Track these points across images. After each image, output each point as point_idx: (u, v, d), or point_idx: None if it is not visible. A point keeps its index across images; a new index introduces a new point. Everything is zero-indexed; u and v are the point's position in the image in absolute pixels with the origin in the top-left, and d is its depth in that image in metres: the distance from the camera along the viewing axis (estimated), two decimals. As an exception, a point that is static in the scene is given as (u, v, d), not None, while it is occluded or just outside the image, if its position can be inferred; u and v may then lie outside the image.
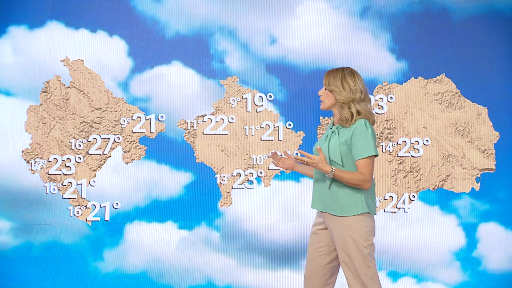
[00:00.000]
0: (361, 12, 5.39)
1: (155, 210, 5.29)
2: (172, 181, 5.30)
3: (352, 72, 3.55)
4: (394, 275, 5.32)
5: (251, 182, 5.33)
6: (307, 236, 3.65)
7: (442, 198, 5.34)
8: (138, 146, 5.31)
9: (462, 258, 5.33)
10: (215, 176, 5.32)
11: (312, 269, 3.58)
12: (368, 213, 3.46)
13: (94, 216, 5.26)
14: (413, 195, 5.35)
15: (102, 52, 5.31)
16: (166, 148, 5.31)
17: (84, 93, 5.32)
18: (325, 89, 3.57)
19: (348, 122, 3.49)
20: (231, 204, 5.32)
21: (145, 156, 5.29)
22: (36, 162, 5.25)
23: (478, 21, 5.44)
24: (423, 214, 5.33)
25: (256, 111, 5.36)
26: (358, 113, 3.50)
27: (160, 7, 5.36)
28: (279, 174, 5.33)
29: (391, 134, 5.37)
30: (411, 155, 5.36)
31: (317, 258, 3.57)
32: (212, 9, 5.35)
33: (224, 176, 5.32)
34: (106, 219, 5.26)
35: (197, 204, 5.31)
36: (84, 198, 5.27)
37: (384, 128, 5.38)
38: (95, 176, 5.28)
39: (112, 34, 5.33)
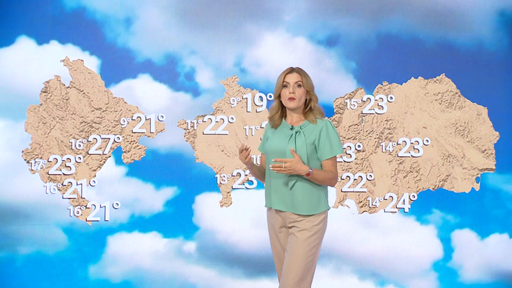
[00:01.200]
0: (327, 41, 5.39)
1: (139, 223, 5.29)
2: (155, 198, 5.31)
3: None
4: (376, 283, 5.32)
5: (251, 182, 5.33)
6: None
7: (419, 209, 5.34)
8: (138, 146, 5.31)
9: (439, 268, 5.34)
10: (215, 176, 5.32)
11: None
12: (327, 209, 3.60)
13: (94, 216, 5.26)
14: (413, 195, 5.35)
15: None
16: (150, 168, 5.30)
17: (84, 93, 5.32)
18: (299, 86, 3.55)
19: (315, 121, 3.56)
20: (231, 204, 5.32)
21: (128, 172, 5.28)
22: (36, 162, 5.25)
23: (478, 21, 5.44)
24: (399, 223, 5.33)
25: (256, 111, 5.36)
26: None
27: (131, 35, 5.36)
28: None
29: (391, 134, 5.37)
30: (411, 155, 5.36)
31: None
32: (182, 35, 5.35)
33: (224, 176, 5.32)
34: (106, 219, 5.26)
35: (179, 217, 5.30)
36: (84, 198, 5.27)
37: (384, 128, 5.38)
38: (95, 176, 5.28)
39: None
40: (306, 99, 3.59)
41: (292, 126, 3.58)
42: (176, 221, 5.30)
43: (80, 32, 5.31)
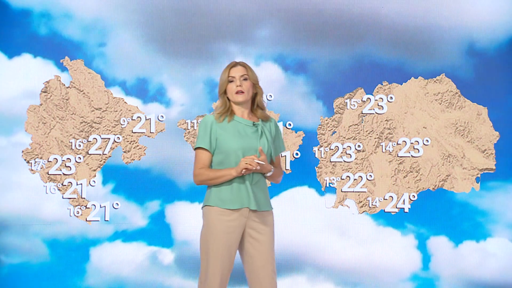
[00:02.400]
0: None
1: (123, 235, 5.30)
2: (139, 213, 5.32)
3: None
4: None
5: (251, 182, 5.33)
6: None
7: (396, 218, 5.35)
8: (138, 146, 5.31)
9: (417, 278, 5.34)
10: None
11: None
12: None
13: (94, 216, 5.26)
14: (413, 195, 5.35)
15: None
16: (135, 183, 5.30)
17: (84, 93, 5.33)
18: (245, 79, 3.46)
19: (267, 117, 3.53)
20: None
21: (114, 189, 5.29)
22: (36, 162, 5.25)
23: (478, 21, 5.44)
24: (375, 233, 5.34)
25: (256, 111, 5.36)
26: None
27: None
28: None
29: (391, 134, 5.37)
30: (411, 155, 5.36)
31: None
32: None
33: (224, 176, 5.32)
34: (106, 219, 5.26)
35: (163, 230, 5.30)
36: (84, 198, 5.27)
37: (384, 128, 5.38)
38: (95, 176, 5.28)
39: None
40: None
41: (253, 122, 3.49)
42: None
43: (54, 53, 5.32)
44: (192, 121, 5.32)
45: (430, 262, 5.33)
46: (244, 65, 3.50)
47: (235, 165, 3.37)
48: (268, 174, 3.44)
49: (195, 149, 3.45)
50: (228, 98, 3.47)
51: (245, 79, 3.46)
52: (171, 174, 5.32)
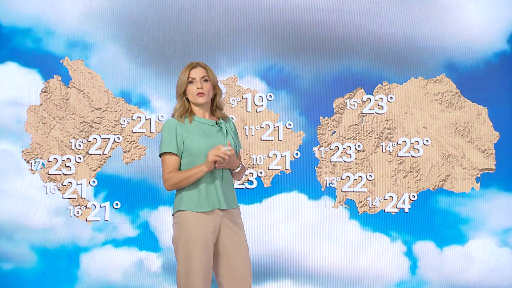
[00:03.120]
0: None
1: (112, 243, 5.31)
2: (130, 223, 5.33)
3: None
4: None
5: (251, 182, 5.33)
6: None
7: (382, 221, 5.34)
8: (138, 146, 5.31)
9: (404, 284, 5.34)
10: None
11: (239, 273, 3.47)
12: None
13: (94, 216, 5.26)
14: (413, 195, 5.35)
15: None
16: (124, 193, 5.31)
17: (84, 93, 5.33)
18: (206, 81, 3.43)
19: (226, 117, 3.52)
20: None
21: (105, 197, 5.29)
22: (36, 162, 5.25)
23: (478, 21, 5.44)
24: (362, 239, 5.34)
25: (256, 111, 5.36)
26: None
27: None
28: (279, 174, 5.33)
29: (391, 134, 5.37)
30: (411, 155, 5.36)
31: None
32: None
33: (224, 176, 5.31)
34: (106, 219, 5.26)
35: (152, 239, 5.30)
36: (84, 198, 5.27)
37: (384, 128, 5.38)
38: (95, 176, 5.28)
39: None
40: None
41: (216, 121, 3.48)
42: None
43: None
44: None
45: (417, 267, 5.33)
46: (204, 66, 3.47)
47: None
48: (237, 170, 3.43)
49: (161, 154, 3.36)
50: (187, 99, 3.43)
51: (206, 80, 3.43)
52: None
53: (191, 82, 3.41)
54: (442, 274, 5.32)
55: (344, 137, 5.36)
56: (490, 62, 5.38)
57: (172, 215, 3.40)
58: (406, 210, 5.33)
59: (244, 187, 5.32)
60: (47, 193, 5.24)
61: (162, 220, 5.26)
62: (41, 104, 5.29)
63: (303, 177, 5.33)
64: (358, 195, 5.34)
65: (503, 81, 5.43)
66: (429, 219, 5.32)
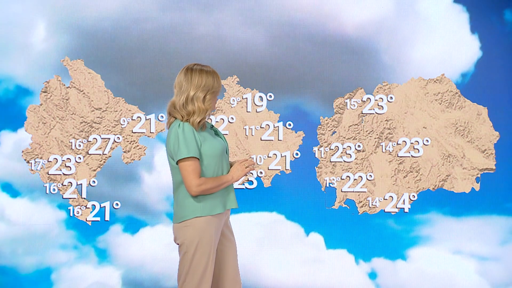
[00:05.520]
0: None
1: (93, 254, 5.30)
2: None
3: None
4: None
5: (251, 182, 5.33)
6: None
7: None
8: (138, 146, 5.31)
9: None
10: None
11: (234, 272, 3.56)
12: None
13: (94, 216, 5.26)
14: (413, 195, 5.35)
15: None
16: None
17: (84, 93, 5.32)
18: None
19: None
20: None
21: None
22: (36, 162, 5.25)
23: (478, 20, 5.44)
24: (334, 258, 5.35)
25: (256, 111, 5.36)
26: None
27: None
28: (279, 174, 5.33)
29: (391, 134, 5.38)
30: (411, 155, 5.36)
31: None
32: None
33: (224, 176, 5.31)
34: (106, 219, 5.26)
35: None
36: (84, 198, 5.27)
37: (384, 128, 5.38)
38: (95, 176, 5.28)
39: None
40: None
41: (211, 125, 3.56)
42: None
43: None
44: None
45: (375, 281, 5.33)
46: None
47: (216, 168, 3.39)
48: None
49: (184, 158, 3.33)
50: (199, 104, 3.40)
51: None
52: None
53: (217, 94, 3.45)
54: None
55: (344, 137, 5.36)
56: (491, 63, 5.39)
57: (181, 221, 3.39)
58: (406, 210, 5.33)
59: (244, 187, 5.32)
60: (47, 193, 5.24)
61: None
62: (41, 104, 5.29)
63: (303, 177, 5.33)
64: (358, 195, 5.34)
65: (503, 81, 5.43)
66: (372, 234, 5.33)
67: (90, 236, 5.27)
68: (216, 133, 3.56)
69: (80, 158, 5.27)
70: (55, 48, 5.31)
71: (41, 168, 5.25)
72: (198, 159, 3.34)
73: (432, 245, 5.35)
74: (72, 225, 5.26)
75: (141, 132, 5.32)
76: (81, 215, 5.25)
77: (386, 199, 5.33)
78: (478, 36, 5.41)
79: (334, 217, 5.33)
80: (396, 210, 5.33)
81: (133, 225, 5.29)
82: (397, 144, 5.37)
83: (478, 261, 5.34)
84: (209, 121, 3.59)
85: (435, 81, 5.42)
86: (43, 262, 5.26)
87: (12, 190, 5.26)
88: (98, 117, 5.31)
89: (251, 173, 5.31)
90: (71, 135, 5.28)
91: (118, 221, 5.28)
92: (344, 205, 5.33)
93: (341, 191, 5.33)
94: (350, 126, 5.37)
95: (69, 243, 5.27)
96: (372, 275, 5.32)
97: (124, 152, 5.31)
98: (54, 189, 5.24)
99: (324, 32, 5.40)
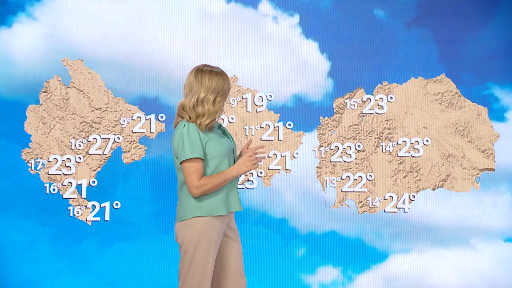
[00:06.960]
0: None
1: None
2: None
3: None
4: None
5: (251, 182, 5.33)
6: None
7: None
8: (138, 146, 5.31)
9: None
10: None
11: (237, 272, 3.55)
12: None
13: (94, 216, 5.26)
14: (413, 195, 5.35)
15: None
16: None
17: (84, 93, 5.33)
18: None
19: None
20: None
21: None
22: (36, 162, 5.25)
23: (478, 20, 5.44)
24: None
25: (256, 111, 5.36)
26: None
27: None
28: (279, 174, 5.33)
29: (391, 134, 5.37)
30: (411, 155, 5.36)
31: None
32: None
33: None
34: (106, 219, 5.26)
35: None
36: (84, 198, 5.27)
37: (384, 128, 5.38)
38: (95, 176, 5.28)
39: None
40: None
41: (219, 124, 3.54)
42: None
43: None
44: (192, 121, 5.32)
45: None
46: None
47: (221, 169, 3.38)
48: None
49: (187, 159, 3.32)
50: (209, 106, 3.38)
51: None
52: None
53: (227, 96, 3.45)
54: None
55: (344, 137, 5.36)
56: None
57: (182, 220, 3.39)
58: (406, 210, 5.33)
59: (244, 187, 5.32)
60: (47, 193, 5.24)
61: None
62: (41, 104, 5.29)
63: (303, 177, 5.33)
64: (358, 195, 5.34)
65: (503, 81, 5.43)
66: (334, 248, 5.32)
67: (90, 236, 5.27)
68: (224, 132, 3.54)
69: (80, 158, 5.27)
70: (55, 48, 5.31)
71: (41, 168, 5.25)
72: (203, 159, 3.34)
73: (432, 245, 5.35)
74: (72, 225, 5.25)
75: (141, 132, 5.32)
76: (81, 215, 5.25)
77: (386, 199, 5.33)
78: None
79: (334, 217, 5.33)
80: (396, 210, 5.33)
81: (133, 225, 5.29)
82: (397, 144, 5.37)
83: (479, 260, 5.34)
84: (220, 121, 3.55)
85: (435, 81, 5.42)
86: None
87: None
88: (98, 117, 5.31)
89: (251, 173, 5.31)
90: (71, 135, 5.28)
91: (118, 221, 5.28)
92: (344, 205, 5.33)
93: (341, 191, 5.33)
94: (350, 126, 5.37)
95: (69, 243, 5.27)
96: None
97: (124, 152, 5.31)
98: (54, 189, 5.24)
99: (324, 31, 5.40)
